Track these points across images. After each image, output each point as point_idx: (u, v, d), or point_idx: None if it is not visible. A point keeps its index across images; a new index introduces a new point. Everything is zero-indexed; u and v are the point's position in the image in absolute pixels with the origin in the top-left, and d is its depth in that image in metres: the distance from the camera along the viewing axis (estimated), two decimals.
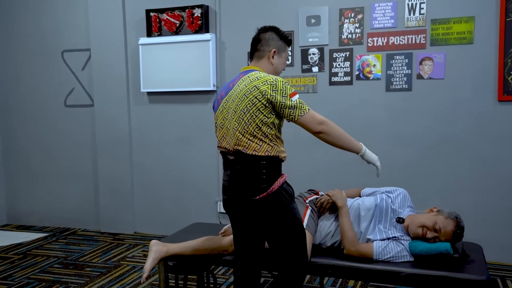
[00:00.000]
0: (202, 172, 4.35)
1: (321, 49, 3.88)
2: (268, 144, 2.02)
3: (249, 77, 2.05)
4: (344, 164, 3.89)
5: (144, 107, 4.49)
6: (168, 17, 4.22)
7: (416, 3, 3.60)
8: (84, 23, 4.57)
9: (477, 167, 3.56)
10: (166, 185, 4.48)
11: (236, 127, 2.04)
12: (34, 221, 4.95)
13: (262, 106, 1.99)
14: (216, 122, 2.18)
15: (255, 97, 1.99)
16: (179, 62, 4.20)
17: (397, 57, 3.68)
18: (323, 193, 2.62)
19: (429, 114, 3.64)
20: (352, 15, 3.77)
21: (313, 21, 3.88)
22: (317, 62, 3.90)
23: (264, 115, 2.00)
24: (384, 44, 3.70)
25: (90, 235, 4.58)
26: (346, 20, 3.79)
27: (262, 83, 1.99)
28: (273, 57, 2.15)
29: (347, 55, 3.81)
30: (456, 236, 2.28)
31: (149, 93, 4.45)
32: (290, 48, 2.24)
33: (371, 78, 3.76)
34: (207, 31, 4.14)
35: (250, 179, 2.03)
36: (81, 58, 4.66)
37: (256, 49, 2.18)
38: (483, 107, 3.51)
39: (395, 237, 2.33)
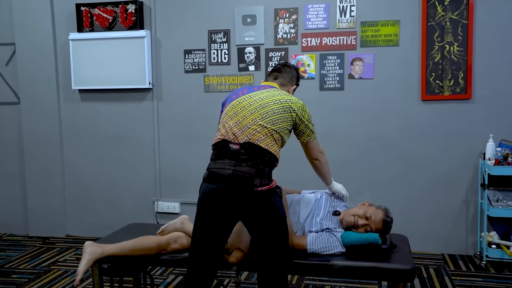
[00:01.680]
0: (137, 172, 4.26)
1: (257, 48, 3.93)
2: (277, 146, 2.22)
3: (279, 91, 2.33)
4: (280, 161, 3.96)
5: (76, 105, 4.31)
6: (100, 12, 4.08)
7: (346, 6, 3.75)
8: (7, 15, 4.30)
9: (403, 163, 3.78)
10: (99, 185, 4.33)
11: (257, 120, 2.17)
12: None
13: (290, 119, 2.24)
14: (226, 113, 2.27)
15: (288, 108, 2.23)
16: (113, 59, 4.08)
17: (330, 57, 3.81)
18: None
19: (360, 112, 3.82)
20: (287, 15, 3.85)
21: (249, 20, 3.92)
22: (253, 61, 3.95)
23: (287, 125, 2.25)
24: (318, 44, 3.83)
25: (17, 239, 4.33)
26: (281, 20, 3.87)
27: (295, 101, 2.28)
28: (291, 90, 2.53)
29: (283, 55, 3.89)
30: (386, 225, 2.43)
31: (80, 91, 4.28)
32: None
33: (305, 77, 3.87)
34: (141, 27, 4.05)
35: (256, 170, 2.12)
36: (4, 52, 4.38)
37: (282, 77, 2.49)
38: (408, 106, 3.73)
39: (328, 228, 2.43)
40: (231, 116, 2.23)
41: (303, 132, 2.32)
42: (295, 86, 2.55)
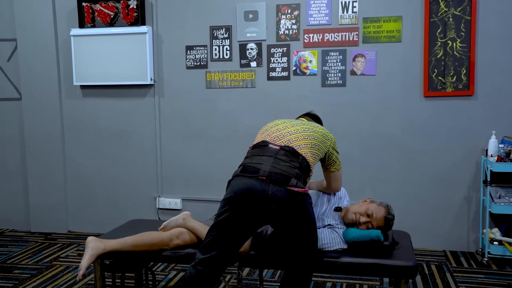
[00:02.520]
0: (139, 168, 4.26)
1: (259, 44, 3.92)
2: (313, 160, 2.23)
3: (313, 124, 2.38)
4: None
5: (77, 101, 4.31)
6: (102, 8, 4.07)
7: (349, 2, 3.73)
8: (8, 11, 4.30)
9: (404, 160, 3.77)
10: (101, 182, 4.34)
11: (299, 131, 2.25)
12: None
13: (325, 146, 2.30)
14: (266, 126, 2.36)
15: (324, 137, 2.31)
16: (114, 55, 4.07)
17: (332, 53, 3.80)
18: None
19: (362, 109, 3.81)
20: (289, 11, 3.84)
21: (250, 16, 3.91)
22: (255, 57, 3.94)
23: (321, 152, 2.28)
24: (320, 40, 3.81)
25: (19, 235, 4.34)
26: (283, 16, 3.86)
27: (329, 132, 2.37)
28: None
29: (284, 51, 3.88)
30: (387, 222, 2.41)
31: (82, 87, 4.28)
32: None
33: (307, 73, 3.86)
34: (143, 23, 4.04)
35: (294, 172, 2.09)
36: (6, 48, 4.38)
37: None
38: (410, 103, 3.72)
39: (330, 224, 2.43)
40: (272, 126, 2.33)
41: (334, 161, 2.38)
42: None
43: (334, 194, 2.61)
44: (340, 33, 3.77)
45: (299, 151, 2.17)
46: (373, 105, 3.78)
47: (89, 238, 2.42)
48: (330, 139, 2.33)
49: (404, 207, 3.73)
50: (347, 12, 3.74)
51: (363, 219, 2.40)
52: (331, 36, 3.79)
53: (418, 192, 3.77)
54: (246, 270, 3.39)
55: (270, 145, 2.18)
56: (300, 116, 2.64)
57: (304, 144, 2.20)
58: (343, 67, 3.79)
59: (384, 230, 2.43)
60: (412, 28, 3.65)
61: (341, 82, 3.81)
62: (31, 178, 4.37)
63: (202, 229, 2.43)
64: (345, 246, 2.39)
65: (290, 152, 2.15)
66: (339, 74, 3.81)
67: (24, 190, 4.47)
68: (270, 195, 2.01)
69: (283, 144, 2.18)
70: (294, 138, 2.21)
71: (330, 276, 3.24)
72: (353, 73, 3.79)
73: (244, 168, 2.10)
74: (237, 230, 2.08)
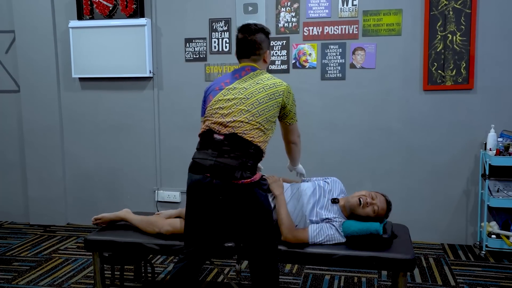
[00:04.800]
0: (138, 161, 4.26)
1: None
2: (263, 138, 2.20)
3: (256, 75, 2.26)
4: (279, 151, 3.96)
5: (76, 93, 4.30)
6: (101, 0, 4.05)
7: None
8: (6, 3, 4.27)
9: (404, 153, 3.78)
10: (100, 174, 4.34)
11: (243, 113, 2.16)
12: None
13: (276, 105, 2.22)
14: (211, 106, 2.25)
15: (273, 95, 2.20)
16: (113, 47, 4.05)
17: (332, 46, 3.79)
18: (263, 175, 2.70)
19: (361, 102, 3.80)
20: (289, 4, 3.82)
21: (250, 8, 3.89)
22: None
23: (275, 113, 2.23)
24: (319, 33, 3.80)
25: (18, 228, 4.35)
26: (282, 8, 3.84)
27: (279, 84, 2.24)
28: (267, 57, 2.37)
29: (284, 44, 3.87)
30: (389, 206, 2.47)
31: (81, 79, 4.26)
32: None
33: (307, 66, 3.85)
34: (142, 15, 4.02)
35: (239, 162, 2.12)
36: (4, 40, 4.35)
37: (252, 52, 2.30)
38: (409, 96, 3.72)
39: (328, 218, 2.42)
40: (217, 109, 2.22)
41: (286, 115, 2.31)
42: (267, 51, 2.36)
43: (327, 189, 2.58)
44: (340, 26, 3.76)
45: (244, 137, 2.14)
46: (372, 99, 3.78)
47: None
48: (279, 93, 2.21)
49: (403, 201, 3.74)
50: (347, 5, 3.72)
51: (369, 199, 2.41)
52: (331, 29, 3.78)
53: (417, 185, 3.78)
54: (245, 262, 3.40)
55: (215, 135, 2.18)
56: (243, 51, 2.31)
57: (249, 128, 2.15)
58: (343, 60, 3.78)
59: (385, 216, 2.45)
60: (412, 21, 3.64)
61: (340, 76, 3.81)
62: (30, 171, 4.37)
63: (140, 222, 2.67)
64: (344, 240, 2.40)
65: (235, 141, 2.14)
66: (339, 67, 3.80)
67: (23, 182, 4.47)
68: (216, 190, 2.13)
69: (227, 132, 2.15)
70: (238, 123, 2.15)
71: (329, 269, 3.25)
72: (352, 66, 3.78)
73: (193, 164, 2.21)
74: (197, 221, 2.21)
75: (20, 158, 4.46)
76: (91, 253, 3.13)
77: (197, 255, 2.23)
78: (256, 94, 2.19)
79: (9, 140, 4.46)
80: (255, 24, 2.33)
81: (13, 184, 4.51)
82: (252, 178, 2.14)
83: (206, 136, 2.21)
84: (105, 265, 2.77)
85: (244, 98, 2.19)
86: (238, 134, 2.14)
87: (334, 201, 2.49)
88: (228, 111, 2.19)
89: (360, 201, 2.40)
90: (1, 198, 4.55)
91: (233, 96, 2.21)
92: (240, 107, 2.17)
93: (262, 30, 2.32)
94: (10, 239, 4.02)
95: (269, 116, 2.21)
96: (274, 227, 2.27)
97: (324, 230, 2.38)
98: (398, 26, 3.66)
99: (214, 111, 2.23)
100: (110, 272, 3.10)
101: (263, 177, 2.31)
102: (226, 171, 2.10)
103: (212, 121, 2.21)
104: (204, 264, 2.29)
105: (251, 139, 2.14)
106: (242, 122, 2.15)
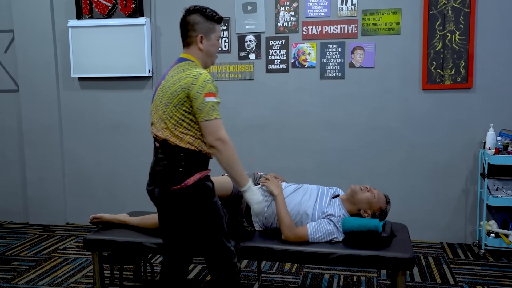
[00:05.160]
0: (137, 160, 4.26)
1: (257, 36, 3.90)
2: (191, 136, 1.98)
3: (178, 68, 2.05)
4: (279, 150, 3.97)
5: (75, 92, 4.29)
6: None
7: None
8: (5, 2, 4.26)
9: (403, 152, 3.78)
10: (99, 173, 4.33)
11: (162, 116, 2.02)
12: None
13: (183, 99, 1.95)
14: (152, 106, 2.15)
15: (177, 89, 1.96)
16: (112, 46, 4.05)
17: (331, 46, 3.79)
18: (262, 173, 2.71)
19: (360, 101, 3.80)
20: (288, 3, 3.82)
21: (249, 8, 3.89)
22: (253, 49, 3.92)
23: (186, 108, 1.96)
24: (319, 32, 3.80)
25: (17, 227, 4.35)
26: (282, 8, 3.84)
27: (186, 75, 1.96)
28: (201, 42, 2.06)
29: (283, 43, 3.87)
30: (387, 201, 2.51)
31: (80, 78, 4.26)
32: (222, 25, 2.13)
33: (306, 66, 3.85)
34: (141, 15, 4.01)
35: (168, 169, 2.00)
36: (3, 39, 4.35)
37: (184, 35, 2.10)
38: (408, 95, 3.72)
39: (329, 214, 2.44)
40: (152, 110, 2.11)
41: (199, 110, 1.93)
42: (201, 35, 2.04)
43: (330, 191, 2.62)
44: (339, 26, 3.76)
45: (171, 143, 1.98)
46: (372, 98, 3.78)
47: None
48: (181, 89, 1.94)
49: (402, 200, 3.74)
50: (346, 4, 3.72)
51: (369, 188, 2.48)
52: (330, 28, 3.78)
53: (416, 184, 3.78)
54: (245, 262, 3.40)
55: (155, 143, 2.09)
56: (182, 39, 2.14)
57: (169, 133, 1.98)
58: (342, 59, 3.78)
59: (385, 214, 2.46)
60: (411, 21, 3.64)
61: (339, 75, 3.81)
62: (29, 170, 4.37)
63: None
64: (341, 237, 2.40)
65: (165, 148, 2.01)
66: (338, 67, 3.80)
67: (23, 181, 4.47)
68: (157, 199, 2.09)
69: (160, 139, 2.03)
70: (162, 129, 2.01)
71: (328, 268, 3.25)
72: (352, 65, 3.78)
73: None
74: (162, 224, 2.19)
75: (19, 157, 4.45)
76: (90, 253, 3.13)
77: (172, 256, 2.20)
78: (167, 94, 1.99)
79: (9, 139, 4.46)
80: (200, 6, 2.08)
81: (12, 183, 4.50)
82: (183, 184, 1.97)
83: (153, 142, 2.13)
84: (104, 265, 2.77)
85: (160, 100, 2.04)
86: (167, 140, 1.99)
87: (336, 196, 2.54)
88: (156, 119, 2.06)
89: (360, 187, 2.49)
90: (0, 197, 4.55)
91: (159, 101, 2.05)
92: (160, 113, 2.03)
93: (199, 10, 2.05)
94: (9, 239, 4.02)
95: (182, 114, 1.96)
96: (220, 232, 2.09)
97: (323, 225, 2.39)
98: (397, 25, 3.66)
99: (152, 112, 2.11)
100: (109, 272, 3.10)
101: (204, 178, 2.06)
102: (159, 178, 2.03)
103: (152, 125, 2.10)
104: (187, 264, 2.22)
105: (176, 143, 1.97)
106: (163, 128, 2.01)
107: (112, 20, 4.03)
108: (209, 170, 2.10)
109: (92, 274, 3.19)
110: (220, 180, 2.50)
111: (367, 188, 2.49)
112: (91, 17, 4.09)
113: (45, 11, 4.16)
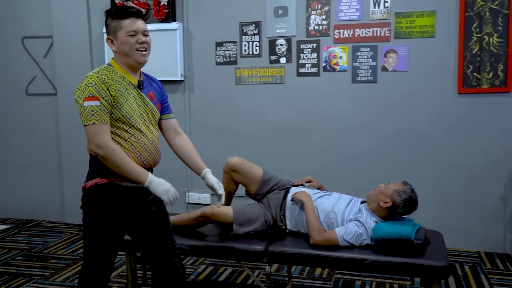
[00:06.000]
0: (169, 162, 4.29)
1: (288, 40, 3.90)
2: (88, 149, 2.00)
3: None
4: (308, 154, 3.95)
5: None
6: (134, 5, 4.13)
7: None
8: (45, 9, 4.42)
9: (436, 158, 3.69)
10: None
11: None
12: None
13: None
14: None
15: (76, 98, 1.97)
16: None
17: (363, 49, 3.75)
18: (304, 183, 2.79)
19: (392, 105, 3.74)
20: (319, 6, 3.81)
21: (280, 12, 3.89)
22: (284, 53, 3.93)
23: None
24: (350, 36, 3.76)
25: (54, 226, 4.48)
26: (313, 11, 3.83)
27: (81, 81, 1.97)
28: (112, 44, 2.01)
29: (314, 47, 3.85)
30: (408, 189, 2.44)
31: None
32: (130, 20, 1.97)
33: (337, 69, 3.83)
34: (174, 20, 4.08)
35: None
36: (42, 45, 4.51)
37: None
38: (443, 99, 3.63)
39: (358, 217, 2.42)
40: None
41: (80, 114, 1.91)
42: (108, 37, 1.99)
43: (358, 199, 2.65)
44: (371, 29, 3.72)
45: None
46: (404, 102, 3.71)
47: None
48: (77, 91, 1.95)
49: (436, 206, 3.65)
50: (378, 7, 3.68)
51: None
52: (362, 31, 3.74)
53: (451, 190, 3.68)
54: (275, 266, 3.40)
55: None
56: None
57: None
58: (374, 63, 3.73)
59: (407, 207, 2.42)
60: (446, 23, 3.56)
61: (371, 78, 3.76)
62: (66, 171, 4.50)
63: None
64: (370, 241, 2.38)
65: None
66: (370, 70, 3.76)
67: (60, 182, 4.61)
68: None
69: None
70: None
71: (359, 275, 3.21)
72: (384, 69, 3.72)
73: None
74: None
75: (57, 159, 4.60)
76: (124, 253, 3.20)
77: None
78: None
79: (47, 142, 4.61)
80: (109, 8, 2.05)
81: (50, 184, 4.65)
82: (83, 185, 2.03)
83: None
84: (137, 265, 2.82)
85: None
86: None
87: (363, 202, 2.54)
88: None
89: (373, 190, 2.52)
90: (38, 198, 4.70)
91: None
92: None
93: (107, 12, 2.02)
94: (47, 237, 4.15)
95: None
96: (87, 239, 2.07)
97: (351, 228, 2.37)
98: (431, 28, 3.59)
99: None
100: (142, 272, 3.15)
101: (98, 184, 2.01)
102: None
103: None
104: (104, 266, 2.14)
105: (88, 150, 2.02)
106: None
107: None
108: (113, 179, 1.98)
109: (125, 273, 3.25)
110: (252, 169, 2.72)
111: (379, 186, 2.52)
112: None
113: (82, 17, 4.28)
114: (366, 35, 3.72)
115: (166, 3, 4.04)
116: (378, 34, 3.70)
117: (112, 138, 1.94)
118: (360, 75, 3.78)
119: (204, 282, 3.17)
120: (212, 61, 4.11)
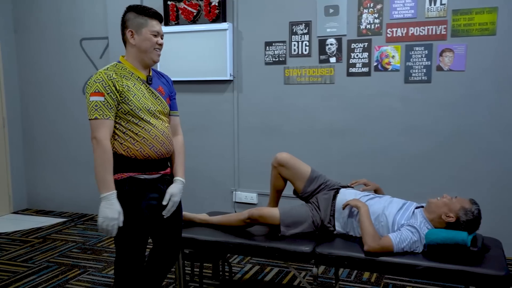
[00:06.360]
0: (217, 162, 4.37)
1: (339, 40, 3.84)
2: (115, 141, 2.07)
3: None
4: (358, 156, 3.87)
5: None
6: (186, 6, 4.22)
7: None
8: (102, 11, 4.60)
9: (494, 161, 3.51)
10: None
11: None
12: (53, 207, 5.04)
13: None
14: None
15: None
16: (196, 51, 4.21)
17: (417, 48, 3.63)
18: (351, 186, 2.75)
19: (447, 106, 3.60)
20: (371, 5, 3.72)
21: (331, 11, 3.84)
22: (334, 52, 3.87)
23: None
24: (404, 35, 3.65)
25: None
26: (365, 10, 3.75)
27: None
28: (132, 37, 2.09)
29: (366, 46, 3.77)
30: (475, 207, 2.32)
31: None
32: (155, 22, 2.10)
33: (389, 69, 3.73)
34: (224, 20, 4.13)
35: None
36: (99, 46, 4.69)
37: (122, 35, 2.14)
38: (504, 100, 3.45)
39: (412, 223, 2.34)
40: None
41: (87, 108, 2.02)
42: (130, 30, 2.08)
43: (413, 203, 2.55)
44: (426, 27, 3.59)
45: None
46: (460, 102, 3.56)
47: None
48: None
49: (494, 213, 3.47)
50: (434, 4, 3.55)
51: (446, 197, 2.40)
52: (416, 30, 3.62)
53: (510, 196, 3.49)
54: (322, 267, 3.35)
55: None
56: None
57: None
58: (429, 62, 3.61)
59: (470, 226, 2.30)
60: (508, 20, 3.38)
61: (425, 78, 3.63)
62: None
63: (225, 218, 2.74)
64: (421, 248, 2.30)
65: None
66: (424, 70, 3.63)
67: None
68: None
69: None
70: None
71: (410, 281, 3.11)
72: (439, 68, 3.59)
73: None
74: None
75: None
76: None
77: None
78: None
79: None
80: (134, 4, 2.14)
81: None
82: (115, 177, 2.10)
83: None
84: (185, 262, 2.87)
85: None
86: None
87: (418, 207, 2.45)
88: None
89: (437, 197, 2.40)
90: (93, 193, 4.88)
91: None
92: None
93: (131, 8, 2.11)
94: (100, 232, 4.30)
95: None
96: (124, 235, 2.09)
97: (406, 234, 2.29)
98: (492, 25, 3.42)
99: None
100: (190, 269, 3.20)
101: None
102: None
103: None
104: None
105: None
106: None
107: (197, 26, 4.18)
108: (126, 174, 2.06)
109: (174, 269, 3.32)
110: (300, 165, 2.75)
111: (444, 196, 2.40)
112: (177, 24, 4.28)
113: None
114: (421, 34, 3.60)
115: (217, 4, 4.09)
116: (434, 33, 3.56)
117: (124, 133, 2.05)
118: (413, 75, 3.66)
119: (250, 281, 3.18)
120: (261, 61, 4.12)
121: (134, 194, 2.06)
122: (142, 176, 2.08)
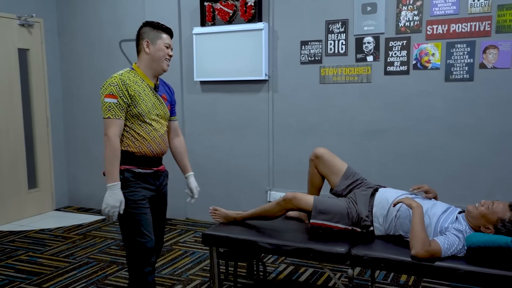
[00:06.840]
0: (252, 161, 4.38)
1: (376, 38, 3.77)
2: (123, 141, 2.32)
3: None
4: (398, 157, 3.78)
5: (197, 96, 4.56)
6: (222, 7, 4.25)
7: None
8: (141, 13, 4.70)
9: None
10: (217, 173, 4.54)
11: None
12: (93, 204, 5.19)
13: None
14: None
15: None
16: (232, 51, 4.23)
17: (458, 45, 3.51)
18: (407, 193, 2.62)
19: (491, 105, 3.46)
20: (411, 2, 3.63)
21: (369, 8, 3.77)
22: (372, 51, 3.80)
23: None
24: (445, 32, 3.54)
25: None
26: (404, 7, 3.66)
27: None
28: (147, 46, 2.34)
29: (404, 44, 3.68)
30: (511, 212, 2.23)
31: (201, 82, 4.52)
32: (167, 36, 2.38)
33: (429, 67, 3.62)
34: (260, 20, 4.13)
35: None
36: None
37: (136, 45, 2.40)
38: None
39: (457, 226, 2.26)
40: None
41: (101, 108, 2.29)
42: (147, 40, 2.33)
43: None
44: (468, 23, 3.46)
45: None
46: (506, 101, 3.41)
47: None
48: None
49: None
50: (478, 0, 3.42)
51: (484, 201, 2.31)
52: (458, 26, 3.50)
53: None
54: (357, 269, 3.29)
55: None
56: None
57: None
58: (471, 60, 3.48)
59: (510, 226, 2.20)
60: None
61: (467, 77, 3.50)
62: None
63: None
64: (462, 253, 2.21)
65: None
66: (466, 68, 3.51)
67: None
68: None
69: None
70: None
71: (450, 285, 3.01)
72: (482, 66, 3.45)
73: None
74: None
75: None
76: (207, 248, 3.29)
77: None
78: None
79: None
80: (150, 21, 2.40)
81: None
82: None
83: None
84: (220, 260, 2.88)
85: None
86: None
87: (461, 212, 2.36)
88: None
89: (475, 205, 2.31)
90: None
91: None
92: None
93: (147, 23, 2.38)
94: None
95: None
96: (129, 221, 2.33)
97: (452, 240, 2.21)
98: None
99: None
100: (224, 267, 3.22)
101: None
102: None
103: None
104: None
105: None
106: None
107: (233, 26, 4.20)
108: (123, 166, 2.30)
109: (208, 268, 3.35)
110: (337, 161, 2.80)
111: (481, 204, 2.28)
112: (213, 24, 4.32)
113: (173, 20, 4.49)
114: (463, 30, 3.48)
115: (252, 4, 4.10)
116: (477, 29, 3.44)
117: (127, 132, 2.30)
118: (454, 73, 3.54)
119: (284, 282, 3.16)
120: (297, 60, 4.09)
121: (128, 180, 2.32)
122: (137, 169, 2.34)
